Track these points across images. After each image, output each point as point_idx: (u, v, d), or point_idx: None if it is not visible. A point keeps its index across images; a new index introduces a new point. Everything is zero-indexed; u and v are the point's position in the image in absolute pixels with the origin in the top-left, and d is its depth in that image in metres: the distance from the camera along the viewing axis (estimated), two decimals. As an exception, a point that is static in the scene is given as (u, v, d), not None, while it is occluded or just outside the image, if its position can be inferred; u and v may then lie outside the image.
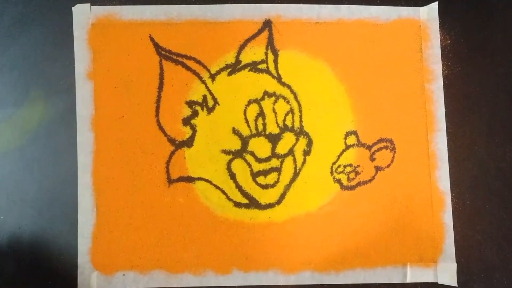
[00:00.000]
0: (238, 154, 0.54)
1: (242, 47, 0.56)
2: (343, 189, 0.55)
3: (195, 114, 0.55)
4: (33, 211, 0.54)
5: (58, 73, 0.55)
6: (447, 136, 0.56)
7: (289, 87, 0.55)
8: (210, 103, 0.55)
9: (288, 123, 0.55)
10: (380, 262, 0.54)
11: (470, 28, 0.58)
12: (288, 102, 0.55)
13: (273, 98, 0.55)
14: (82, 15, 0.55)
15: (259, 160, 0.54)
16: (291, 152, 0.55)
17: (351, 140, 0.55)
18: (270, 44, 0.56)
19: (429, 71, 0.56)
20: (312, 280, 0.53)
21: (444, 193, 0.55)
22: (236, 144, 0.54)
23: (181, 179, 0.54)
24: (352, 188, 0.55)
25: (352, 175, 0.55)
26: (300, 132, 0.55)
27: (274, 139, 0.55)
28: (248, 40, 0.56)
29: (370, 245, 0.54)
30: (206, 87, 0.55)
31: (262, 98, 0.55)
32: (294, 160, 0.55)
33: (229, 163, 0.54)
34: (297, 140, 0.55)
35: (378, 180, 0.55)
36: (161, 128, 0.54)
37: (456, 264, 0.54)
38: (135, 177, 0.54)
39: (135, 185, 0.54)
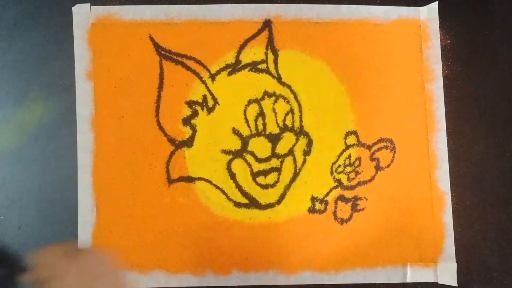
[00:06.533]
0: (238, 154, 0.54)
1: (242, 47, 0.56)
2: (343, 189, 0.55)
3: (195, 114, 0.55)
4: (33, 211, 0.54)
5: (58, 73, 0.55)
6: (447, 136, 0.56)
7: (289, 87, 0.55)
8: (210, 103, 0.55)
9: (288, 123, 0.55)
10: (380, 262, 0.54)
11: (470, 28, 0.58)
12: (288, 102, 0.55)
13: (273, 98, 0.55)
14: (82, 15, 0.55)
15: (259, 160, 0.54)
16: (291, 152, 0.55)
17: (351, 140, 0.55)
18: (270, 44, 0.56)
19: (429, 71, 0.56)
20: (312, 280, 0.53)
21: (444, 193, 0.55)
22: (236, 144, 0.54)
23: (181, 179, 0.54)
24: (352, 188, 0.55)
25: (352, 175, 0.55)
26: (300, 132, 0.55)
27: (274, 139, 0.55)
28: (248, 40, 0.56)
29: (370, 245, 0.54)
30: (206, 87, 0.55)
31: (262, 98, 0.55)
32: (294, 160, 0.55)
33: (229, 163, 0.54)
34: (297, 140, 0.55)
35: (378, 180, 0.55)
36: (161, 128, 0.54)
37: (456, 264, 0.54)
38: (135, 177, 0.54)
39: (135, 185, 0.54)
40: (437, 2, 0.57)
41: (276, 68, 0.56)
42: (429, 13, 0.57)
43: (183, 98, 0.55)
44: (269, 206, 0.54)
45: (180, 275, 0.53)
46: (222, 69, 0.55)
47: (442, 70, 0.57)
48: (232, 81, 0.55)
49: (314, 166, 0.55)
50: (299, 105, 0.55)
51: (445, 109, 0.56)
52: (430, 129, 0.56)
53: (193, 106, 0.55)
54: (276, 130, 0.55)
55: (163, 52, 0.55)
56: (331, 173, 0.55)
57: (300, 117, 0.55)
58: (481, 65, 0.57)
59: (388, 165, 0.55)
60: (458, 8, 0.58)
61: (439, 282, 0.54)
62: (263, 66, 0.56)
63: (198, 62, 0.55)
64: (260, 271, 0.53)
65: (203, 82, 0.55)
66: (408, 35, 0.57)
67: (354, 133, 0.55)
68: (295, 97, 0.55)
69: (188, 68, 0.55)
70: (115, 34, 0.55)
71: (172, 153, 0.54)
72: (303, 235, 0.54)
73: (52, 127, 0.55)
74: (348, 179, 0.55)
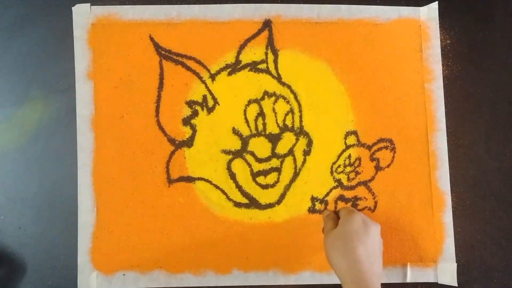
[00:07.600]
0: (238, 154, 0.54)
1: (242, 47, 0.56)
2: (343, 189, 0.55)
3: (195, 114, 0.55)
4: (33, 211, 0.54)
5: (58, 73, 0.55)
6: (447, 136, 0.56)
7: (289, 87, 0.55)
8: (210, 103, 0.55)
9: (288, 123, 0.55)
10: (380, 262, 0.54)
11: (470, 28, 0.58)
12: (288, 102, 0.55)
13: (273, 98, 0.55)
14: (82, 15, 0.55)
15: (259, 160, 0.54)
16: (291, 152, 0.55)
17: (351, 140, 0.55)
18: (270, 44, 0.56)
19: (429, 71, 0.56)
20: (312, 280, 0.53)
21: (444, 193, 0.55)
22: (236, 144, 0.54)
23: (181, 179, 0.54)
24: (352, 188, 0.55)
25: (352, 175, 0.55)
26: (300, 132, 0.55)
27: (274, 139, 0.55)
28: (248, 40, 0.56)
29: (370, 245, 0.54)
30: (206, 87, 0.55)
31: (262, 98, 0.55)
32: (294, 160, 0.55)
33: (229, 163, 0.54)
34: (297, 140, 0.55)
35: (378, 180, 0.55)
36: (161, 128, 0.54)
37: (456, 264, 0.54)
38: (135, 177, 0.54)
39: (135, 185, 0.54)
40: (437, 2, 0.57)
41: (276, 68, 0.56)
42: (429, 13, 0.57)
43: (183, 98, 0.55)
44: (269, 206, 0.54)
45: (180, 275, 0.53)
46: (222, 69, 0.55)
47: (442, 70, 0.57)
48: (232, 81, 0.55)
49: (314, 166, 0.55)
50: (299, 105, 0.55)
51: (445, 109, 0.56)
52: (430, 129, 0.56)
53: (193, 106, 0.55)
54: (276, 130, 0.55)
55: (163, 52, 0.55)
56: (331, 173, 0.55)
57: (300, 117, 0.55)
58: (481, 65, 0.57)
59: (388, 165, 0.55)
60: (458, 8, 0.58)
61: (439, 282, 0.54)
62: (263, 66, 0.56)
63: (198, 62, 0.55)
64: (260, 271, 0.53)
65: (203, 82, 0.55)
66: (408, 35, 0.57)
67: (354, 133, 0.55)
68: (295, 97, 0.55)
69: (188, 68, 0.55)
70: (115, 34, 0.55)
71: (172, 153, 0.54)
72: (303, 235, 0.54)
73: (52, 127, 0.55)
74: (348, 179, 0.55)
